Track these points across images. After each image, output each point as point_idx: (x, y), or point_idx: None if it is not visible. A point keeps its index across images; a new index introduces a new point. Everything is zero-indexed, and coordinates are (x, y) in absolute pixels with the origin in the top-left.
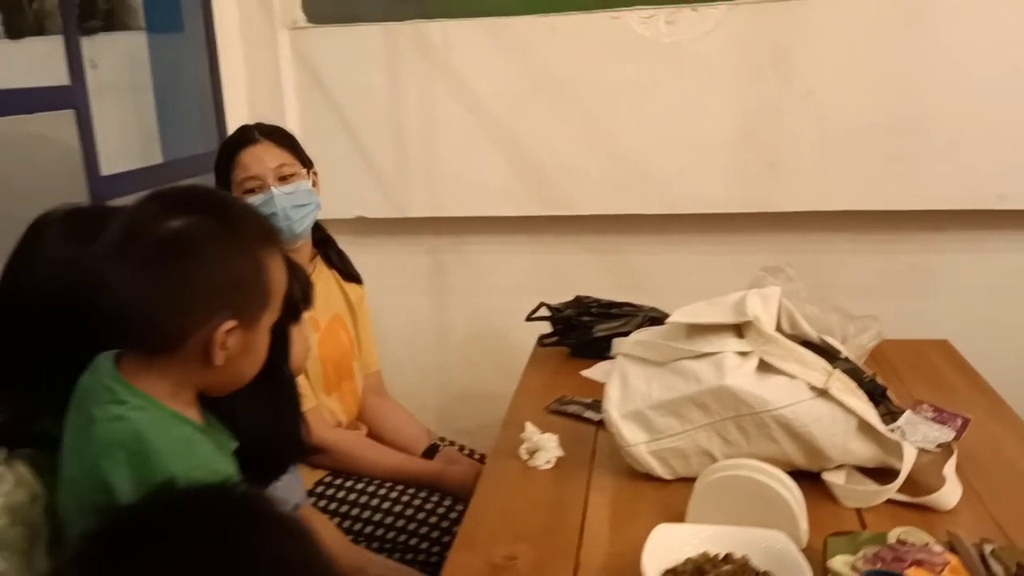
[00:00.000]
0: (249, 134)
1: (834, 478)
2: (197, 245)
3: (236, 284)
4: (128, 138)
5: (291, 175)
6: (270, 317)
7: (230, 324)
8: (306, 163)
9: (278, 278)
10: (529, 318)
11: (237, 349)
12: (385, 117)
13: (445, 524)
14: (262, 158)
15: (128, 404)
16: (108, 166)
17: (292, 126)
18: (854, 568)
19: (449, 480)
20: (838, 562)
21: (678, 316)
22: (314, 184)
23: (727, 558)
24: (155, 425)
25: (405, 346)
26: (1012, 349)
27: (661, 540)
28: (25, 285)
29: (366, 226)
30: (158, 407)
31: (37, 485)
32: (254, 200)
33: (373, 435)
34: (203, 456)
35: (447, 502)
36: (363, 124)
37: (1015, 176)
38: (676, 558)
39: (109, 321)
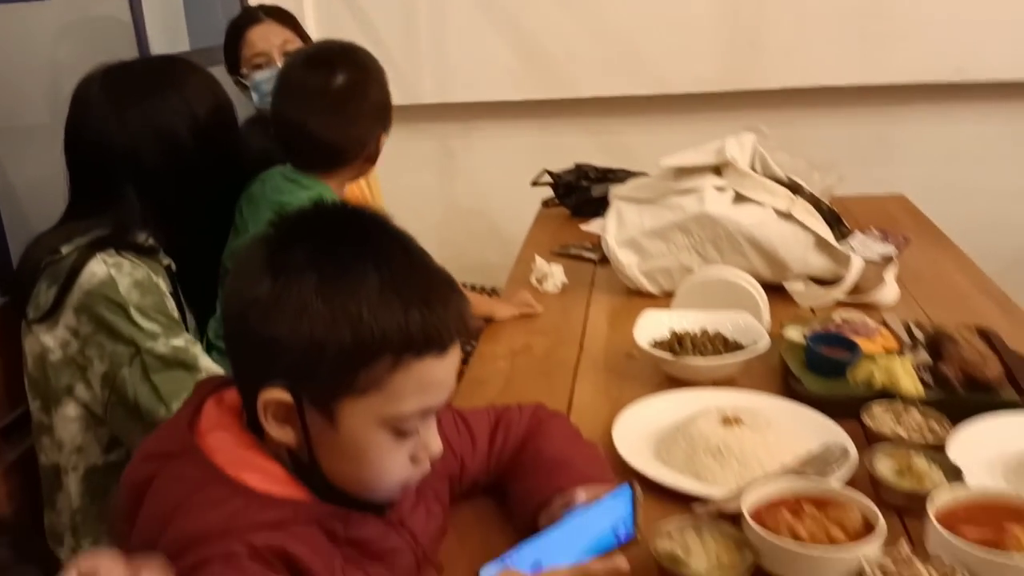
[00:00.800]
0: (254, 14)
1: (794, 286)
2: (360, 90)
3: (383, 108)
4: (159, 26)
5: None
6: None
7: (384, 136)
8: (306, 39)
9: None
10: (534, 183)
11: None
12: (396, 6)
13: None
14: (267, 35)
15: (315, 188)
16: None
17: (308, 15)
18: (803, 336)
19: None
20: (791, 330)
21: (667, 161)
22: None
23: (703, 333)
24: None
25: (414, 222)
26: (967, 208)
27: (649, 320)
28: (86, 138)
29: None
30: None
31: (145, 267)
32: (262, 74)
33: None
34: None
35: None
36: (375, 14)
37: (972, 51)
38: (662, 332)
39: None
